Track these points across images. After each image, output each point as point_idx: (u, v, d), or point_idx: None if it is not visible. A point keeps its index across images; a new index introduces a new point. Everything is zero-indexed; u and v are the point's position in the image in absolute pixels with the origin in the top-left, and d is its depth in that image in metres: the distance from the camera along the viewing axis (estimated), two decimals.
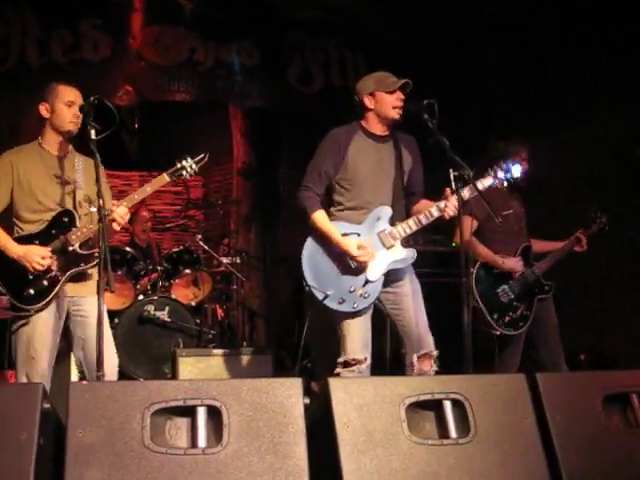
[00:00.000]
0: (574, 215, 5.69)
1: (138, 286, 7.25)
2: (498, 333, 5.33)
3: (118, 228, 4.15)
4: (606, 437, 3.34)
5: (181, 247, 8.04)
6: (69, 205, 4.24)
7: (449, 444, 3.13)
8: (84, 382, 3.25)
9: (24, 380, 4.04)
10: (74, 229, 4.15)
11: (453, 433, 3.17)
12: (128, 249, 7.46)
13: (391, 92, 4.36)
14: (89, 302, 4.17)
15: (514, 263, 5.38)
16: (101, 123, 4.05)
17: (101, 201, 3.78)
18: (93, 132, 3.97)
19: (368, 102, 4.41)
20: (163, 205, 10.22)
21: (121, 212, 4.11)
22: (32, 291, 4.07)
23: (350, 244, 4.25)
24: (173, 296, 7.31)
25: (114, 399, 2.89)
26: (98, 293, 3.69)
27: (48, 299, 4.09)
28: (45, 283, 4.09)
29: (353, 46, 8.88)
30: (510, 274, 5.37)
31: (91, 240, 4.21)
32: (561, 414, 3.30)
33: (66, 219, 4.19)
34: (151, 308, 6.91)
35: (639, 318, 6.37)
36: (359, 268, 4.28)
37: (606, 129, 6.55)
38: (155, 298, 7.05)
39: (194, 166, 4.27)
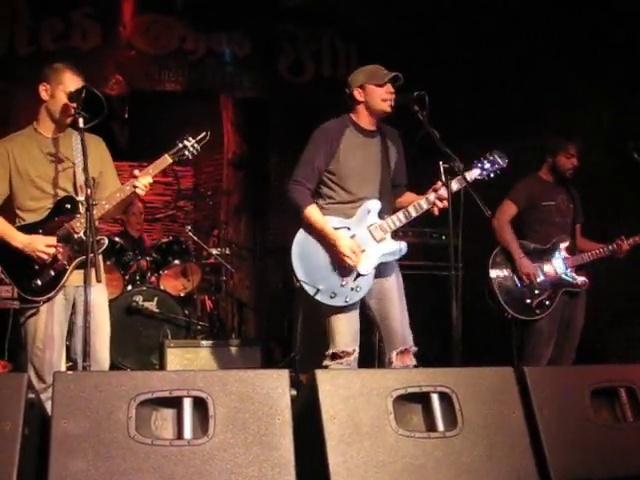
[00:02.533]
0: None
1: (127, 276, 7.22)
2: (509, 317, 5.43)
3: (143, 193, 4.04)
4: (594, 431, 3.35)
5: (170, 238, 8.03)
6: (70, 190, 4.14)
7: (436, 437, 3.12)
8: (69, 372, 3.22)
9: (32, 373, 3.96)
10: (78, 216, 4.05)
11: (440, 426, 3.17)
12: (117, 239, 7.42)
13: (381, 85, 4.37)
14: (95, 291, 3.93)
15: (527, 267, 5.43)
16: (90, 112, 3.99)
17: (89, 190, 3.73)
18: (81, 121, 3.90)
19: (358, 95, 4.42)
20: (153, 196, 10.15)
21: (145, 182, 4.03)
22: (39, 282, 3.99)
23: (343, 243, 4.25)
24: (162, 287, 7.30)
25: (100, 389, 2.87)
26: (85, 283, 3.66)
27: (57, 289, 4.02)
28: (52, 273, 4.01)
29: (345, 37, 8.84)
30: (535, 257, 5.47)
31: (96, 226, 4.12)
32: (549, 408, 3.31)
33: (68, 205, 4.08)
34: (140, 299, 6.89)
35: None
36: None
37: (595, 122, 6.54)
38: (144, 289, 7.02)
39: (196, 145, 4.15)
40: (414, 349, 4.34)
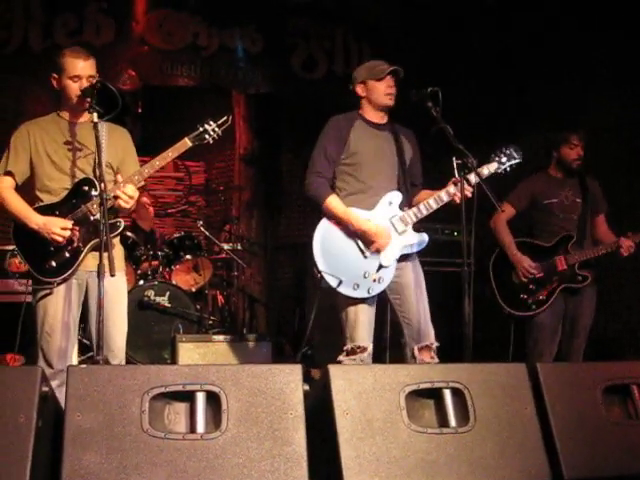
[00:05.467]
0: None
1: (139, 271, 7.24)
2: (507, 313, 5.45)
3: (127, 206, 3.99)
4: (606, 428, 3.34)
5: (182, 233, 8.04)
6: (89, 172, 4.12)
7: (448, 433, 3.12)
8: (83, 366, 3.23)
9: (40, 357, 3.98)
10: (95, 198, 4.00)
11: (453, 422, 3.17)
12: (129, 234, 7.43)
13: (380, 79, 4.43)
14: (110, 279, 3.81)
15: (522, 261, 5.42)
16: (104, 107, 4.00)
17: (102, 185, 3.73)
18: (95, 115, 3.90)
19: (360, 91, 4.52)
20: (165, 191, 10.20)
21: (128, 191, 3.97)
22: (54, 263, 3.98)
23: (369, 226, 4.29)
24: (174, 282, 7.31)
25: (113, 383, 2.88)
26: (98, 276, 3.63)
27: (71, 271, 4.00)
28: (67, 255, 4.00)
29: (358, 34, 8.84)
30: (539, 255, 5.42)
31: (113, 209, 4.09)
32: (561, 404, 3.30)
33: (86, 187, 4.06)
34: (151, 293, 6.90)
35: None
36: (372, 253, 4.31)
37: (615, 119, 6.50)
38: (155, 283, 7.03)
39: (217, 129, 4.16)
40: (435, 345, 4.35)
